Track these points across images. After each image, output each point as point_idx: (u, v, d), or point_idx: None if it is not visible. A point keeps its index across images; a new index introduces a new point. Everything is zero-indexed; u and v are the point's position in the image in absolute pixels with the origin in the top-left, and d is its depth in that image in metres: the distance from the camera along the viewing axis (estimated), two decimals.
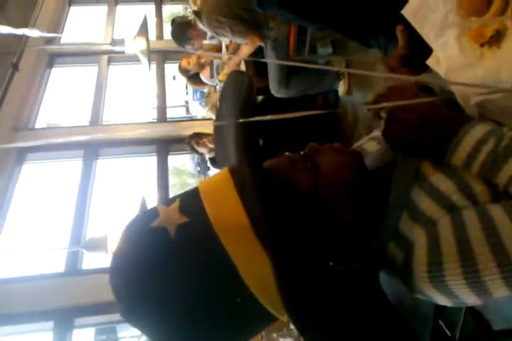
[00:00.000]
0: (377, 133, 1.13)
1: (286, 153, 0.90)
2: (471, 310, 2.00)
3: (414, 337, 0.85)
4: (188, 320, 0.73)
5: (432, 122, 0.81)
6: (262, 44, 3.36)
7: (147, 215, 0.77)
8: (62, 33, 5.95)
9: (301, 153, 0.88)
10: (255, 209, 0.71)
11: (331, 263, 0.90)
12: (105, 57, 5.62)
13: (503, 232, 0.71)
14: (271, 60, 3.44)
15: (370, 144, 1.08)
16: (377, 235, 0.86)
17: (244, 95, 0.85)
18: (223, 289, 0.72)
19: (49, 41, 5.47)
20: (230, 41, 3.87)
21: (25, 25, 5.10)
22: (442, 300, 0.80)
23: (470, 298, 0.76)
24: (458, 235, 0.74)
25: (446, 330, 1.90)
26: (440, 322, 1.87)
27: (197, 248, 0.72)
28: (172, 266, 0.72)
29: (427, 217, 0.79)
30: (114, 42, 4.42)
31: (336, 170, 0.84)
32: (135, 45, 3.58)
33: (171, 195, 4.53)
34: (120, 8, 6.58)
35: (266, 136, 3.62)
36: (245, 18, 3.23)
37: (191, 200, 0.76)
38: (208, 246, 0.71)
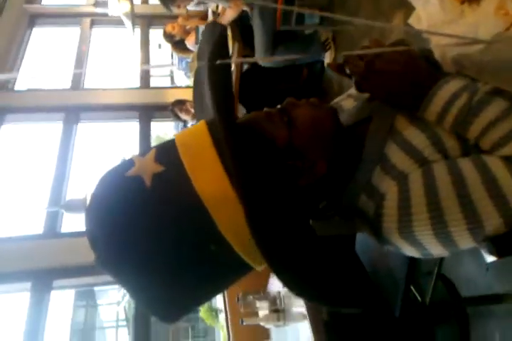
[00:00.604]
0: (353, 90, 1.13)
1: (265, 109, 0.90)
2: (442, 277, 2.06)
3: (376, 290, 0.88)
4: (163, 267, 0.73)
5: (410, 73, 0.82)
6: (246, 9, 3.30)
7: (122, 165, 0.77)
8: None
9: (278, 107, 0.89)
10: (228, 157, 0.71)
11: (308, 215, 0.92)
12: (88, 19, 5.48)
13: (471, 185, 0.73)
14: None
15: (348, 101, 1.09)
16: (349, 188, 0.88)
17: (216, 41, 0.84)
18: (198, 236, 0.72)
19: (30, 1, 5.32)
20: (217, 7, 3.80)
21: None
22: (410, 251, 0.83)
23: (437, 249, 0.79)
24: (427, 188, 0.76)
25: (417, 296, 1.96)
26: (412, 288, 1.92)
27: (172, 196, 0.72)
28: (147, 215, 0.72)
29: (399, 171, 0.81)
30: (97, 4, 4.32)
31: (311, 122, 0.85)
32: (119, 8, 3.51)
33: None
34: None
35: (249, 105, 3.61)
36: None
37: (167, 150, 0.76)
38: (183, 195, 0.72)
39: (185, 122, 4.14)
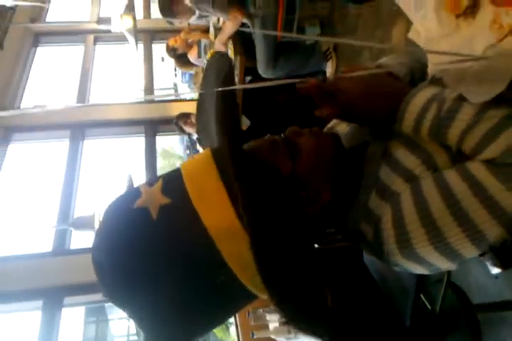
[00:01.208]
0: None
1: (268, 135, 0.92)
2: (451, 285, 2.05)
3: (395, 311, 0.87)
4: (170, 299, 0.74)
5: (376, 90, 0.84)
6: (245, 21, 3.32)
7: (129, 195, 0.79)
8: (47, 11, 5.85)
9: (282, 135, 0.91)
10: (235, 189, 0.71)
11: (314, 243, 0.93)
12: (91, 36, 5.55)
13: (458, 193, 0.73)
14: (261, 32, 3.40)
15: (341, 126, 1.10)
16: (351, 214, 0.89)
17: (224, 75, 0.87)
18: (205, 268, 0.73)
19: (34, 20, 5.39)
20: (218, 21, 3.83)
21: None
22: (418, 269, 0.82)
23: (443, 263, 0.78)
24: (418, 204, 0.76)
25: (427, 304, 1.95)
26: (422, 296, 1.92)
27: (179, 229, 0.73)
28: (154, 248, 0.73)
29: (392, 191, 0.82)
30: (100, 21, 4.37)
31: (315, 152, 0.86)
32: (122, 24, 3.55)
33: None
34: None
35: (253, 117, 3.62)
36: None
37: (173, 181, 0.77)
38: (190, 228, 0.72)
39: (189, 135, 4.16)
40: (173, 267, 0.72)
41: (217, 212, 0.72)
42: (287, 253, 0.76)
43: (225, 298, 0.77)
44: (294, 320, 0.71)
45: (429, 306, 1.97)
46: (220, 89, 0.80)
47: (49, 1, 5.69)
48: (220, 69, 0.91)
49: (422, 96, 0.80)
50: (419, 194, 0.77)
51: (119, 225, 0.77)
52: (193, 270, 0.73)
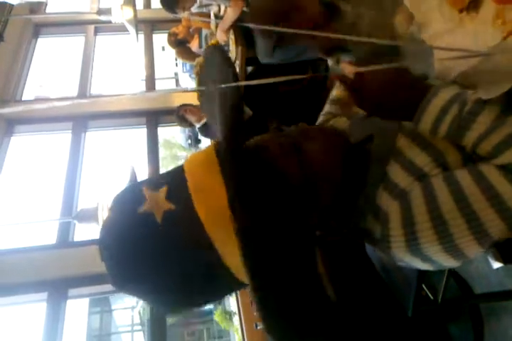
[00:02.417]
0: (332, 107, 1.15)
1: (273, 128, 0.91)
2: (453, 275, 2.06)
3: (397, 301, 0.88)
4: (169, 291, 0.79)
5: (399, 83, 0.82)
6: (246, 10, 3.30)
7: (134, 199, 0.79)
8: (47, 1, 5.82)
9: (290, 131, 0.89)
10: (232, 195, 0.72)
11: (317, 233, 0.93)
12: (92, 27, 5.52)
13: (470, 195, 0.73)
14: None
15: (340, 121, 1.09)
16: (357, 210, 0.90)
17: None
18: (205, 269, 0.76)
19: (34, 11, 5.36)
20: (219, 10, 3.80)
21: None
22: (422, 266, 0.84)
23: (448, 262, 0.80)
24: (429, 204, 0.77)
25: (429, 294, 1.97)
26: (423, 286, 1.93)
27: (182, 234, 0.75)
28: (158, 249, 0.75)
29: (401, 189, 0.82)
30: (100, 12, 4.34)
31: (324, 160, 0.85)
32: (122, 14, 3.53)
33: (162, 167, 4.55)
34: None
35: (255, 107, 3.61)
36: None
37: (178, 189, 0.77)
38: (193, 233, 0.74)
39: (191, 125, 4.14)
40: (175, 267, 0.75)
41: (218, 220, 0.73)
42: (278, 247, 0.76)
43: (221, 288, 0.82)
44: (271, 317, 0.71)
45: (431, 296, 1.98)
46: (222, 86, 0.80)
47: None
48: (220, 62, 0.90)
49: (442, 96, 0.79)
50: (430, 194, 0.77)
51: (126, 228, 0.78)
52: (193, 270, 0.76)
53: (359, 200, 0.89)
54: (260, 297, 0.70)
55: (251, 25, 3.01)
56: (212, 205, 0.74)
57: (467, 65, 0.80)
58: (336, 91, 1.23)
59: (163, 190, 0.77)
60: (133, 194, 0.81)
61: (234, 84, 0.81)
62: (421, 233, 0.77)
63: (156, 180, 0.82)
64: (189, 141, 5.88)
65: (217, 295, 0.84)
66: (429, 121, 0.79)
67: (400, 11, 1.23)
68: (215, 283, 0.79)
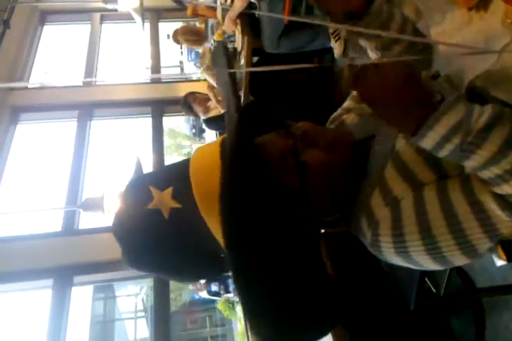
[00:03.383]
0: (350, 103, 1.14)
1: (280, 131, 0.91)
2: (456, 268, 2.07)
3: (400, 294, 0.90)
4: (175, 270, 0.91)
5: (405, 87, 0.77)
6: (254, 1, 3.27)
7: (142, 196, 0.85)
8: None
9: (294, 132, 0.88)
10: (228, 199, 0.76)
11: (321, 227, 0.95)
12: (97, 14, 5.50)
13: (460, 214, 0.75)
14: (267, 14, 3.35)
15: (350, 116, 1.09)
16: (355, 208, 0.90)
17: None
18: (208, 259, 0.87)
19: None
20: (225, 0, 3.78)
21: None
22: (414, 267, 0.85)
23: (437, 267, 0.82)
24: (419, 215, 0.78)
25: (432, 287, 1.98)
26: (426, 279, 1.94)
27: (186, 229, 0.83)
28: (164, 239, 0.84)
29: (394, 196, 0.82)
30: (106, 0, 4.33)
31: (326, 173, 0.85)
32: (128, 3, 3.52)
33: (166, 156, 4.56)
34: None
35: (260, 97, 3.60)
36: None
37: (183, 188, 0.82)
38: (196, 228, 0.81)
39: (196, 115, 4.14)
40: (180, 254, 0.86)
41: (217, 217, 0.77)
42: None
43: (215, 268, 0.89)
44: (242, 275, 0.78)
45: (433, 289, 2.00)
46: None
47: None
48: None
49: (446, 123, 0.72)
50: (422, 207, 0.78)
51: (136, 223, 0.86)
52: (196, 260, 0.87)
53: (356, 198, 0.90)
54: (232, 255, 0.76)
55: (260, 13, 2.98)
56: (214, 207, 0.77)
57: (481, 66, 0.79)
58: None
59: (169, 190, 0.83)
60: (141, 190, 0.86)
61: (245, 70, 0.82)
62: (410, 242, 0.79)
63: (162, 179, 0.88)
64: (193, 131, 5.89)
65: (216, 273, 0.94)
66: (430, 143, 0.75)
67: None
68: (214, 265, 0.87)
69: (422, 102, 0.76)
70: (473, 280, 2.20)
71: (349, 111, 1.12)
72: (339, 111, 1.17)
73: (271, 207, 0.80)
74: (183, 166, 0.85)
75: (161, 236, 0.84)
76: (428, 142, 0.74)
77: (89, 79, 4.55)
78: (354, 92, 1.17)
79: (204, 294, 6.84)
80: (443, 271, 1.93)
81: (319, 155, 0.86)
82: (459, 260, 0.79)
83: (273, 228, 0.79)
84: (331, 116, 1.17)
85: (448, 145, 0.73)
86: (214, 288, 6.34)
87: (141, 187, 0.87)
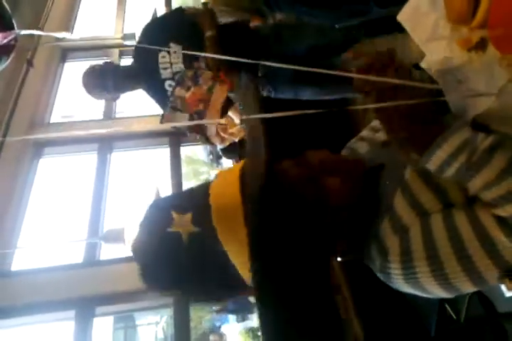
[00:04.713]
0: (365, 132, 1.19)
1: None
2: (477, 293, 2.05)
3: (420, 321, 0.93)
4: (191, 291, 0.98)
5: (418, 110, 0.84)
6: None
7: (163, 219, 0.90)
8: (73, 27, 6.03)
9: (310, 160, 0.94)
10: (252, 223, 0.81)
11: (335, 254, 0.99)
12: (116, 51, 5.67)
13: (467, 241, 0.78)
14: None
15: (361, 144, 1.14)
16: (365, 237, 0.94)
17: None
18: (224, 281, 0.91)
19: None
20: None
21: (37, 20, 5.18)
22: (422, 294, 0.89)
23: (446, 295, 0.86)
24: (426, 242, 0.82)
25: (452, 313, 1.97)
26: (446, 305, 1.93)
27: (205, 253, 0.87)
28: (182, 261, 0.89)
29: (403, 224, 0.87)
30: (124, 37, 4.49)
31: (344, 198, 0.91)
32: None
33: (184, 183, 4.61)
34: (130, 0, 6.62)
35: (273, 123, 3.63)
36: (249, 8, 3.25)
37: (203, 214, 0.87)
38: (214, 253, 0.86)
39: (213, 144, 4.18)
40: (198, 279, 0.90)
41: (237, 245, 0.83)
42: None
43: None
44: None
45: (454, 316, 1.98)
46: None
47: (75, 19, 5.87)
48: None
49: (453, 142, 0.79)
50: (429, 233, 0.82)
51: (157, 245, 0.91)
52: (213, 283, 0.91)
53: (367, 227, 0.94)
54: (258, 281, 0.81)
55: None
56: (232, 233, 0.83)
57: (482, 105, 0.84)
58: (377, 121, 1.26)
59: (189, 215, 0.87)
60: (162, 214, 0.91)
61: (258, 116, 0.87)
62: (419, 268, 0.82)
63: (183, 204, 0.92)
64: (210, 157, 5.94)
65: (231, 292, 0.98)
66: (437, 163, 0.81)
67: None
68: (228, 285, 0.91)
69: (431, 125, 0.83)
70: (494, 304, 2.17)
71: (362, 140, 1.17)
72: (354, 139, 1.22)
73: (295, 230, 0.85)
74: (203, 193, 0.90)
75: (179, 258, 0.88)
76: (436, 160, 0.80)
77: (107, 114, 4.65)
78: (372, 123, 1.23)
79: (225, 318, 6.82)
80: (463, 296, 1.92)
81: (334, 179, 0.91)
82: (467, 287, 0.82)
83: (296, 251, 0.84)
84: (347, 144, 1.22)
85: (455, 164, 0.78)
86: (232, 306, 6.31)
87: (163, 209, 0.92)
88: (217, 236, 0.84)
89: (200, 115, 2.92)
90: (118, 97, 3.25)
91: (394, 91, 0.84)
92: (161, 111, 3.36)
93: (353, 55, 0.95)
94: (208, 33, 2.74)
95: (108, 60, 3.19)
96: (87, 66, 3.15)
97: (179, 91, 2.83)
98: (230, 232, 0.83)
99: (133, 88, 3.08)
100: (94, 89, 3.03)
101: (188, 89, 2.80)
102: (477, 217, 0.79)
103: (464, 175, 0.78)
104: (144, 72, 2.94)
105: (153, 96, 3.10)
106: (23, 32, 2.64)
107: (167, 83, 2.88)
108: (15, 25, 1.96)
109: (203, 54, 2.51)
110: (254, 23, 3.25)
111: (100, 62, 3.18)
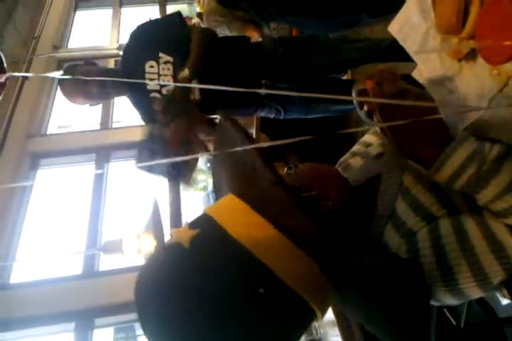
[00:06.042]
0: (357, 147, 1.20)
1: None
2: (477, 298, 2.05)
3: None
4: (214, 326, 0.73)
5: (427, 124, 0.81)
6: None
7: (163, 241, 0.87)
8: (69, 37, 6.05)
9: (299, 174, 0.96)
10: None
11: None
12: (112, 60, 5.69)
13: (477, 246, 0.78)
14: None
15: (355, 159, 1.14)
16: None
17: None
18: (246, 282, 0.74)
19: (56, 47, 5.56)
20: None
21: (32, 31, 5.21)
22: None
23: (451, 301, 0.85)
24: (435, 248, 0.81)
25: (451, 319, 1.96)
26: (445, 310, 1.93)
27: (213, 249, 0.77)
28: (192, 275, 0.74)
29: (409, 228, 0.86)
30: (120, 47, 4.51)
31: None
32: None
33: (182, 191, 4.59)
34: (125, 11, 6.64)
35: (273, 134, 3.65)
36: (244, 18, 3.27)
37: (199, 218, 0.83)
38: (225, 247, 0.75)
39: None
40: (212, 293, 0.72)
41: (253, 229, 0.76)
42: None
43: (270, 310, 0.73)
44: None
45: (453, 321, 1.97)
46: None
47: (70, 29, 5.89)
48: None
49: (462, 153, 0.79)
50: (437, 238, 0.82)
51: (157, 263, 0.82)
52: (232, 285, 0.73)
53: (368, 236, 0.94)
54: None
55: None
56: (236, 218, 0.79)
57: (473, 116, 0.84)
58: (368, 136, 1.26)
59: (185, 224, 0.83)
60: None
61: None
62: (427, 273, 0.81)
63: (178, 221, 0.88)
64: (208, 164, 5.95)
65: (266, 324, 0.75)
66: (446, 174, 0.80)
67: None
68: (259, 302, 0.73)
69: (439, 138, 0.82)
70: (494, 309, 2.17)
71: (355, 155, 1.17)
72: (347, 155, 1.22)
73: None
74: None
75: (184, 270, 0.75)
76: (447, 170, 0.79)
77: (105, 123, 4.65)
78: (364, 137, 1.24)
79: None
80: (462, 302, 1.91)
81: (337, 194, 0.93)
82: (474, 292, 0.81)
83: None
84: (340, 160, 1.23)
85: (464, 176, 0.78)
86: None
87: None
88: (223, 227, 0.76)
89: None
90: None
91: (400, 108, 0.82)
92: None
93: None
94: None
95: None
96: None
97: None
98: (233, 216, 0.78)
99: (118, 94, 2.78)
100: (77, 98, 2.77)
101: None
102: (487, 224, 0.79)
103: (475, 186, 0.78)
104: (128, 78, 2.57)
105: (136, 105, 2.80)
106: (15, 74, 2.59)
107: (152, 95, 2.60)
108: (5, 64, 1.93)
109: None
110: (250, 32, 3.28)
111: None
